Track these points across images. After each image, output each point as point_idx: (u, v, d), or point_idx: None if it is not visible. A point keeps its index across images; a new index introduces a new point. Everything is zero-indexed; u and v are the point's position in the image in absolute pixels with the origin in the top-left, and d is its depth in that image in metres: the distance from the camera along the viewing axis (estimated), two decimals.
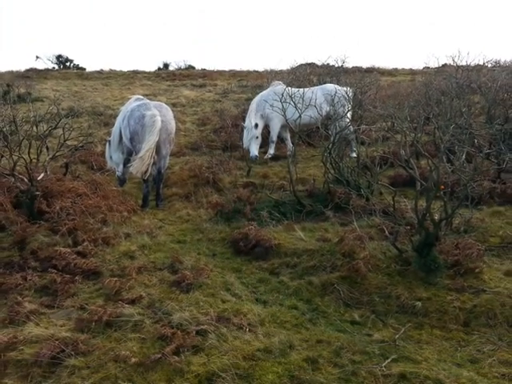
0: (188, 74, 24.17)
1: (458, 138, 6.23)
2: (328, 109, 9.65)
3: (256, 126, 10.36)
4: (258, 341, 3.96)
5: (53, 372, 3.68)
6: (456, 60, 13.43)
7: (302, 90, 10.28)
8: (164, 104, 8.38)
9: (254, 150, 10.33)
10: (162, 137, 7.55)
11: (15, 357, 3.81)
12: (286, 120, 8.99)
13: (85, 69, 28.04)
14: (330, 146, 7.81)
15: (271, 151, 10.81)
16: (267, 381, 3.51)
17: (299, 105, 8.79)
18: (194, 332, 4.04)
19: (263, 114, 10.56)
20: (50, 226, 6.32)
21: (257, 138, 10.38)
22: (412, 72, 23.24)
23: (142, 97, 8.63)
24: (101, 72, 24.89)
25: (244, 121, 10.85)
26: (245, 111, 12.09)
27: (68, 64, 29.03)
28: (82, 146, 9.76)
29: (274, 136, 10.79)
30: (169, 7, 78.33)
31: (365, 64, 23.69)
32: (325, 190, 7.44)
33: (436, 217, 5.40)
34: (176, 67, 28.79)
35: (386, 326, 4.34)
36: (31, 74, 22.69)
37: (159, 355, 3.73)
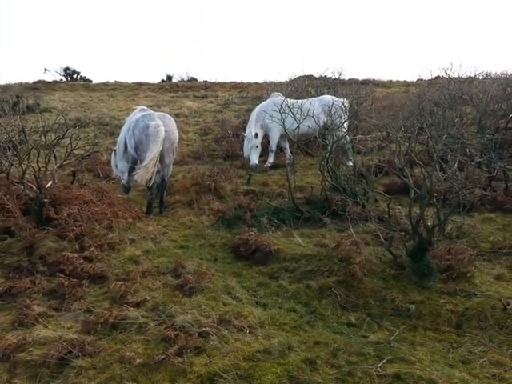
0: (190, 86, 24.23)
1: (451, 148, 6.26)
2: (325, 119, 9.69)
3: (256, 135, 10.41)
4: (258, 342, 3.98)
5: (60, 372, 3.69)
6: (448, 72, 13.53)
7: (300, 101, 10.35)
8: (167, 115, 8.42)
9: (254, 159, 10.37)
10: (165, 146, 7.59)
11: (24, 358, 3.83)
12: (285, 130, 9.04)
13: (91, 81, 28.11)
14: (327, 155, 7.85)
15: (271, 160, 10.85)
16: (267, 381, 3.53)
17: (298, 115, 8.84)
18: (197, 334, 4.06)
19: (263, 124, 10.60)
20: (57, 232, 6.34)
21: (257, 147, 10.43)
22: (406, 84, 23.29)
23: (146, 108, 8.66)
24: (106, 84, 24.94)
25: (244, 131, 10.89)
26: (245, 121, 12.14)
27: (75, 76, 29.10)
28: (88, 155, 9.80)
29: (273, 145, 10.84)
30: (169, 7, 78.26)
31: (361, 76, 23.78)
32: (322, 198, 7.46)
33: (429, 223, 5.42)
34: (179, 79, 28.88)
35: (381, 328, 4.35)
36: (40, 86, 22.73)
37: (163, 356, 3.74)
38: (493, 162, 7.80)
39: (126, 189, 8.62)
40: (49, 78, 27.60)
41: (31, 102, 16.62)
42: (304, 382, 3.51)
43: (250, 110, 13.22)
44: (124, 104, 18.83)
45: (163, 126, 7.54)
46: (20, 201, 7.03)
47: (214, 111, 17.46)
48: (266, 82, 21.64)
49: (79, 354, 3.82)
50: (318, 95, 12.66)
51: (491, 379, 3.57)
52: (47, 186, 7.12)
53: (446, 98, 11.28)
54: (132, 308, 4.54)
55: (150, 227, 6.94)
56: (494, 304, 4.48)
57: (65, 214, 6.60)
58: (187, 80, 28.40)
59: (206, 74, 62.13)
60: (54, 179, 7.45)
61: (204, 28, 77.47)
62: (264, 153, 10.97)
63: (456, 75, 13.57)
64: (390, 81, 24.70)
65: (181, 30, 79.53)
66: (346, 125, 9.52)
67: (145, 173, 7.30)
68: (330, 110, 9.27)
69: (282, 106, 9.16)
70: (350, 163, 9.12)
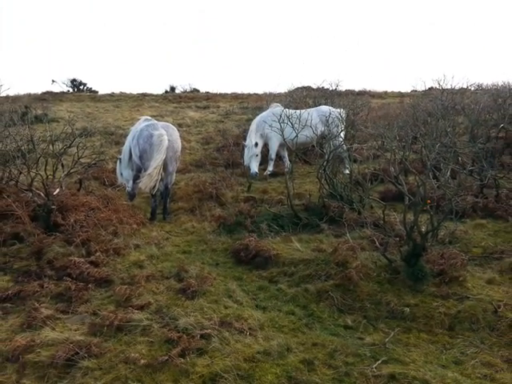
0: (193, 97, 24.32)
1: (444, 156, 6.31)
2: (323, 129, 9.73)
3: (256, 144, 10.44)
4: (258, 344, 4.00)
5: (68, 373, 3.71)
6: (441, 83, 13.69)
7: (298, 111, 10.42)
8: (171, 124, 8.47)
9: (254, 167, 10.40)
10: (168, 155, 7.63)
11: (33, 359, 3.85)
12: (284, 139, 9.10)
13: (97, 92, 28.25)
14: (324, 164, 7.88)
15: (270, 168, 10.88)
16: (266, 381, 3.55)
17: (296, 125, 8.90)
18: (199, 336, 4.07)
19: (263, 133, 10.64)
20: (64, 238, 6.36)
21: (257, 155, 10.45)
22: (401, 95, 23.40)
23: (150, 118, 8.69)
24: (112, 95, 25.04)
25: (245, 140, 10.93)
26: (246, 131, 12.19)
27: (82, 87, 29.25)
28: (94, 164, 9.88)
29: (272, 154, 10.87)
30: (169, 7, 78.33)
31: (357, 87, 24.01)
32: (320, 204, 7.48)
33: (423, 229, 5.44)
34: (182, 90, 29.03)
35: (377, 330, 4.37)
36: (47, 97, 22.82)
37: (166, 357, 3.76)
38: (484, 170, 7.84)
39: (131, 196, 8.62)
40: (56, 89, 27.86)
41: (39, 112, 16.75)
42: (302, 382, 3.53)
43: (250, 120, 13.27)
44: (129, 114, 18.90)
45: (167, 135, 7.57)
46: (28, 207, 7.07)
47: (216, 121, 17.53)
48: (265, 93, 21.77)
49: (86, 355, 3.84)
50: (316, 106, 12.73)
51: (483, 379, 3.59)
52: (55, 193, 7.16)
53: (439, 108, 11.37)
54: (136, 311, 4.56)
55: (154, 233, 6.96)
56: (486, 307, 4.50)
57: (72, 220, 6.63)
58: (190, 91, 28.55)
59: (207, 84, 62.13)
60: (61, 187, 7.49)
61: (204, 28, 77.55)
62: (264, 161, 11.00)
63: (449, 86, 13.72)
64: (385, 92, 24.84)
65: (181, 30, 79.56)
66: (342, 134, 9.57)
67: (149, 180, 7.34)
68: (327, 120, 9.31)
69: (281, 116, 9.22)
70: (347, 171, 9.15)
